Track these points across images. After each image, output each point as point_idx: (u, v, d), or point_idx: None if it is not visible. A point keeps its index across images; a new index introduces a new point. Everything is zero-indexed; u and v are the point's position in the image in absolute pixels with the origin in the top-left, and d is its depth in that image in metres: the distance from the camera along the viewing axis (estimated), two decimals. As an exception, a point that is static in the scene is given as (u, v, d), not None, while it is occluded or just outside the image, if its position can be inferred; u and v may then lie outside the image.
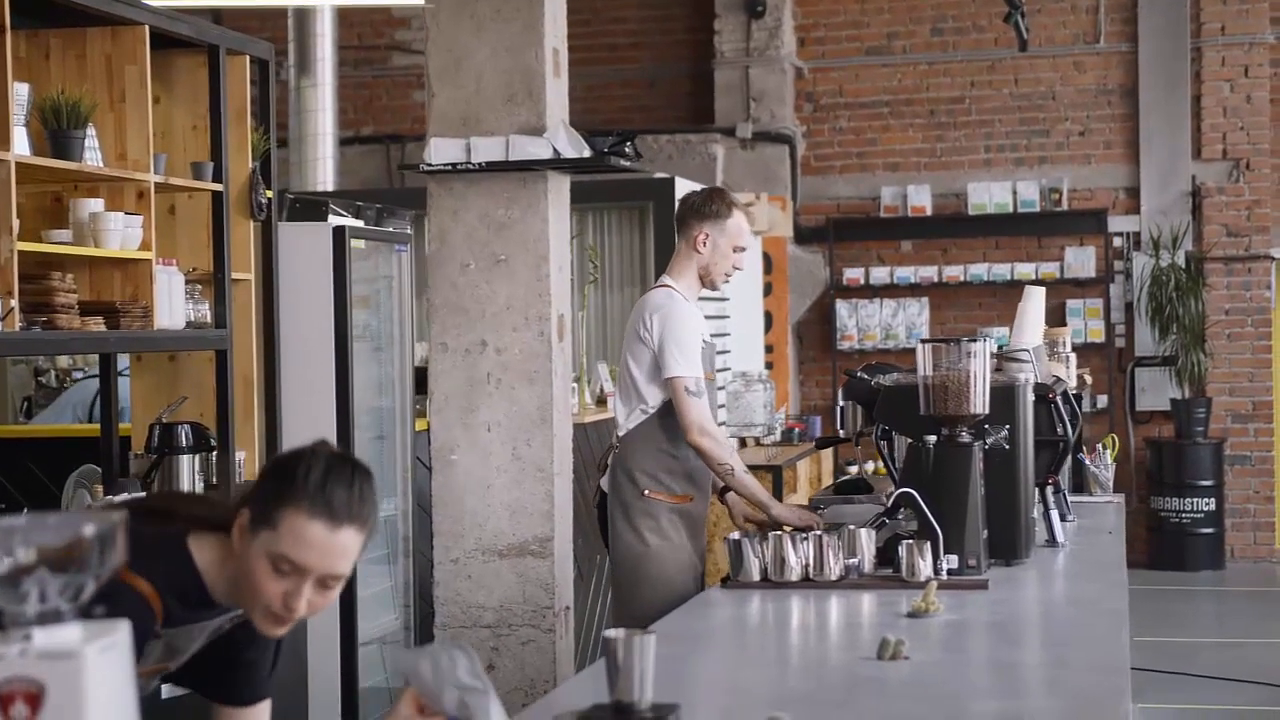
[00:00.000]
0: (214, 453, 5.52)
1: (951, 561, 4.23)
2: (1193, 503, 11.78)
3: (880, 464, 5.78)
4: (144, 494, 4.89)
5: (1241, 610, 10.85)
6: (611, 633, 2.69)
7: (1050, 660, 3.59)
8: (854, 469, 10.35)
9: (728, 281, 5.23)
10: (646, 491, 4.97)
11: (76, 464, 5.85)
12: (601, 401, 8.04)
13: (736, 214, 5.04)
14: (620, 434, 5.04)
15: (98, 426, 5.85)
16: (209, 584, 2.64)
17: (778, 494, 8.69)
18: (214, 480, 5.53)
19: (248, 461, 5.74)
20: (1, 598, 1.73)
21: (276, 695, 2.91)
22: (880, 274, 12.45)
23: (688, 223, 5.05)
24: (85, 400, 7.35)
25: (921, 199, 12.42)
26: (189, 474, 5.37)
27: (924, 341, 4.42)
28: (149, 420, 5.51)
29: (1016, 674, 3.39)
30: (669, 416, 4.93)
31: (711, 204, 5.03)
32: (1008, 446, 4.47)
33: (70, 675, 1.69)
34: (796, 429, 10.61)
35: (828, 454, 10.78)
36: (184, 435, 5.39)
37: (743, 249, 5.08)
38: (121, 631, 1.75)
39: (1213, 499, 11.81)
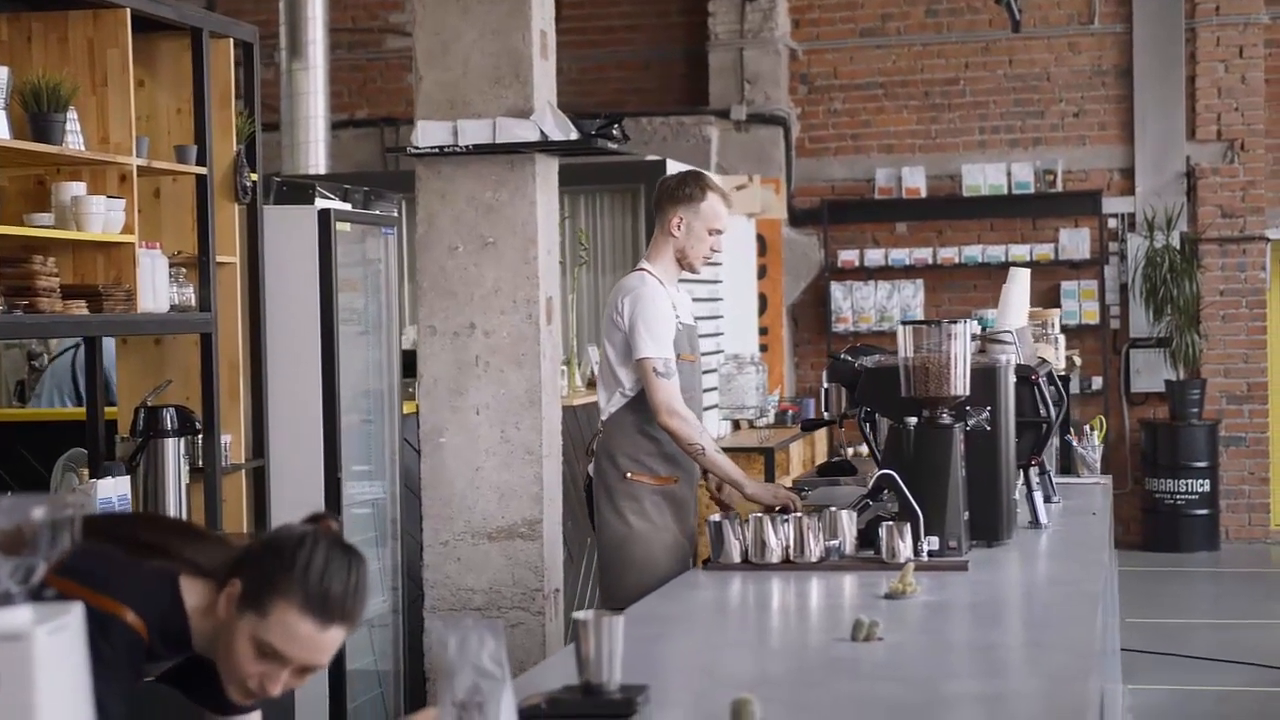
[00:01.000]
0: (199, 436, 5.52)
1: (932, 543, 4.24)
2: (1187, 484, 11.78)
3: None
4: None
5: (1235, 592, 10.86)
6: (580, 615, 2.70)
7: (1023, 641, 3.59)
8: (848, 451, 10.35)
9: (715, 263, 5.21)
10: (629, 474, 4.96)
11: (68, 446, 5.84)
12: (591, 384, 8.03)
13: (711, 197, 5.00)
14: (602, 418, 5.05)
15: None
16: (192, 629, 2.64)
17: (769, 476, 8.70)
18: (199, 463, 5.53)
19: (233, 445, 5.74)
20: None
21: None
22: (875, 256, 12.44)
23: (662, 206, 5.03)
24: (65, 377, 7.33)
25: (916, 181, 12.40)
26: (174, 457, 5.36)
27: (905, 323, 4.42)
28: (134, 404, 5.50)
29: (988, 655, 3.38)
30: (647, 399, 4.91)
31: (685, 187, 5.00)
32: (989, 428, 4.47)
33: (20, 657, 1.69)
34: (790, 411, 10.59)
35: (821, 436, 10.78)
36: (169, 419, 5.37)
37: (719, 231, 5.03)
38: (73, 614, 1.76)
39: (1207, 480, 11.80)
